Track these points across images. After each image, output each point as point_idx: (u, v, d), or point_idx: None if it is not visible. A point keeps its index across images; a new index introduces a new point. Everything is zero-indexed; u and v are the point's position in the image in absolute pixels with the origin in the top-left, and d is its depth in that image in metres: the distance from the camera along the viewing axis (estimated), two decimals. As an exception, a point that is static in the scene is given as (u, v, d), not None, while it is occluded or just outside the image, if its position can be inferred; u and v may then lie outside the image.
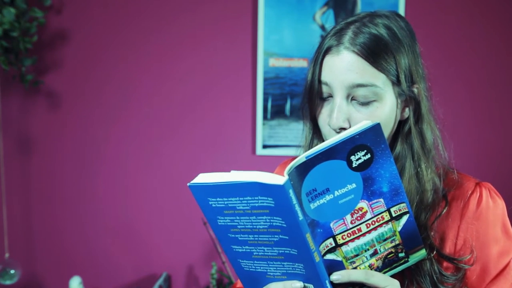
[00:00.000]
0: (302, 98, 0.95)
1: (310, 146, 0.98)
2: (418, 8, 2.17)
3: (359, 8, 2.14)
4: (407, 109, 0.89)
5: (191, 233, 2.25)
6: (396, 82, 0.85)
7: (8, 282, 2.08)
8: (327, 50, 0.86)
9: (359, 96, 0.84)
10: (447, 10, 2.18)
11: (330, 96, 0.87)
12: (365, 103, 0.84)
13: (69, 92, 2.25)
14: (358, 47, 0.83)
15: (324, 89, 0.87)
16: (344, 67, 0.83)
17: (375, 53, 0.83)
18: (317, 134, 0.97)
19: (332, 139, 0.72)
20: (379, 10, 0.90)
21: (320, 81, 0.87)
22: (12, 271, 2.08)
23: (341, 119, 0.84)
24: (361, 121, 0.84)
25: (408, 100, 0.88)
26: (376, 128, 0.71)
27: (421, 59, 0.91)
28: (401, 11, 2.13)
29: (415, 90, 0.88)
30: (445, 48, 2.19)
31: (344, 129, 0.85)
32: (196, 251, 2.28)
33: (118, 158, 2.27)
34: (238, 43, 2.22)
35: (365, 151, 0.72)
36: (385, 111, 0.85)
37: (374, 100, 0.84)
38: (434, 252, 0.85)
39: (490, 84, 2.20)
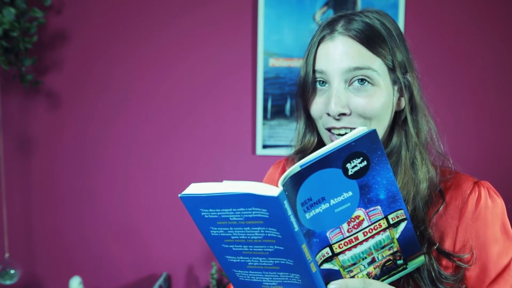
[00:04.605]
0: (295, 92, 0.95)
1: (303, 140, 0.98)
2: (418, 8, 2.17)
3: (358, 8, 2.13)
4: (402, 99, 0.90)
5: (191, 233, 2.25)
6: (392, 68, 0.86)
7: (8, 282, 2.08)
8: (321, 40, 0.87)
9: (356, 80, 0.84)
10: (447, 10, 2.17)
11: (325, 84, 0.88)
12: (363, 88, 0.84)
13: (69, 92, 2.25)
14: (353, 31, 0.84)
15: (320, 78, 0.87)
16: (339, 52, 0.84)
17: (369, 37, 0.84)
18: (310, 129, 0.97)
19: (327, 147, 0.71)
20: (367, 8, 0.91)
21: (314, 71, 0.87)
22: (12, 271, 2.09)
23: (340, 105, 0.84)
24: (360, 106, 0.84)
25: (403, 89, 0.88)
26: (372, 135, 0.70)
27: (411, 53, 0.92)
28: (401, 11, 2.13)
29: (410, 78, 0.88)
30: (445, 48, 2.18)
31: (344, 114, 0.85)
32: (196, 251, 2.28)
33: (118, 158, 2.27)
34: (238, 43, 2.21)
35: (361, 158, 0.71)
36: (383, 95, 0.85)
37: (371, 84, 0.84)
38: (434, 248, 0.84)
39: (490, 84, 2.19)
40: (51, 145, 2.27)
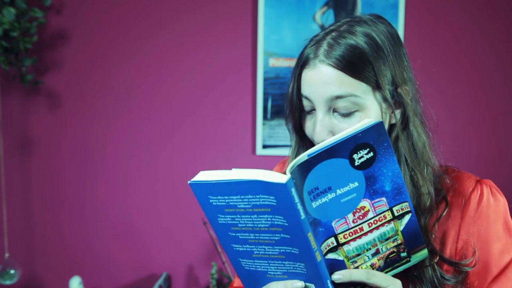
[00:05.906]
0: (285, 109, 0.94)
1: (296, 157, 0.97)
2: (418, 8, 2.18)
3: (359, 8, 2.14)
4: (394, 114, 0.87)
5: (191, 233, 2.25)
6: (377, 88, 0.83)
7: (8, 282, 2.07)
8: (304, 64, 0.86)
9: (340, 107, 0.83)
10: (447, 10, 2.18)
11: (313, 109, 0.87)
12: (347, 114, 0.83)
13: (69, 92, 2.25)
14: (333, 59, 0.82)
15: (306, 102, 0.87)
16: (321, 81, 0.82)
17: (351, 63, 0.81)
18: (303, 148, 0.96)
19: (334, 137, 0.71)
20: (360, 16, 0.88)
21: (300, 95, 0.87)
22: (12, 271, 2.08)
23: (324, 133, 0.84)
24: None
25: (395, 104, 0.86)
26: (379, 126, 0.71)
27: (406, 61, 0.88)
28: (401, 11, 2.13)
29: (401, 92, 0.85)
30: (445, 48, 2.19)
31: None
32: (196, 251, 2.28)
33: (118, 158, 2.27)
34: (238, 43, 2.22)
35: (368, 149, 0.72)
36: (370, 118, 0.83)
37: (356, 111, 0.83)
38: (437, 259, 0.84)
39: (490, 84, 2.20)
40: (51, 145, 2.27)
